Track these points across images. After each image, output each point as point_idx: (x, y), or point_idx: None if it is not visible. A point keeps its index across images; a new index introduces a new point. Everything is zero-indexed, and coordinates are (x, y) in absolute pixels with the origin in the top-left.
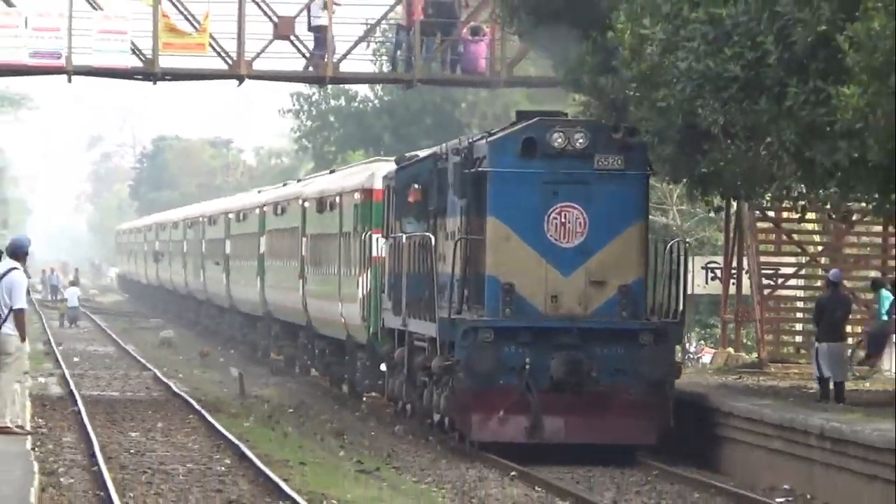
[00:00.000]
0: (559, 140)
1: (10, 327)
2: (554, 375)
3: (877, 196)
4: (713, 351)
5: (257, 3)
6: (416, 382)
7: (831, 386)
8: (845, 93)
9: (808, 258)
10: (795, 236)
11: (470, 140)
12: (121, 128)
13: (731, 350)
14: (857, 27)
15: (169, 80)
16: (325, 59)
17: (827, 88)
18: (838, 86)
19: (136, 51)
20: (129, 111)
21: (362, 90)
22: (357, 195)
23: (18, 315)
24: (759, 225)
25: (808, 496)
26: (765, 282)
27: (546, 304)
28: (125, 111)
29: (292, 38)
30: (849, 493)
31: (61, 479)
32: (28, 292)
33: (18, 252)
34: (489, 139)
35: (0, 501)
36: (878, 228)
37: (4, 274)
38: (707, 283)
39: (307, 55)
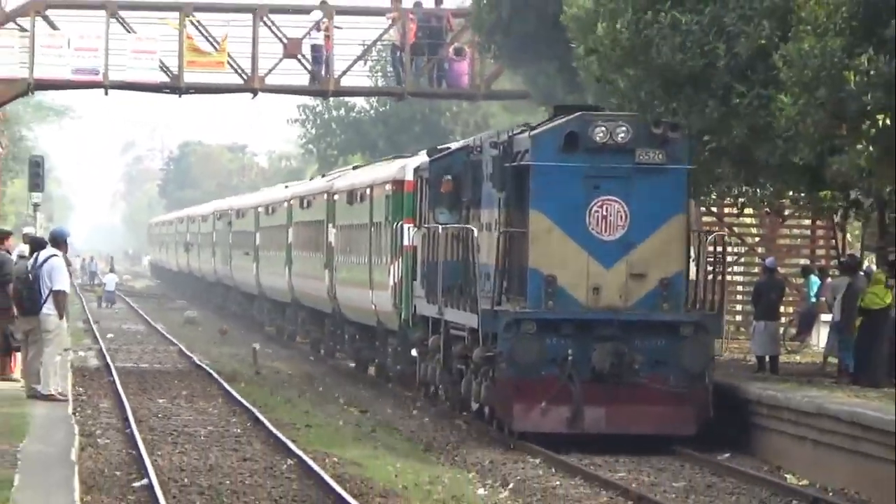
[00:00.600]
0: (601, 134)
1: (50, 307)
2: (596, 366)
3: (805, 193)
4: None
5: (269, 27)
6: (452, 370)
7: (767, 359)
8: (782, 100)
9: (747, 248)
10: (736, 229)
11: (510, 133)
12: (150, 135)
13: None
14: (790, 47)
15: (192, 93)
16: (327, 75)
17: (768, 94)
18: (778, 94)
19: (163, 68)
20: (158, 120)
21: (360, 102)
22: (388, 186)
23: (58, 296)
24: (705, 219)
25: (750, 456)
26: (709, 269)
27: (587, 297)
28: (155, 120)
29: (299, 56)
30: (781, 452)
31: (98, 440)
32: (70, 276)
33: (59, 240)
34: (532, 133)
35: (46, 460)
36: (808, 222)
37: (46, 259)
38: None
39: (311, 72)
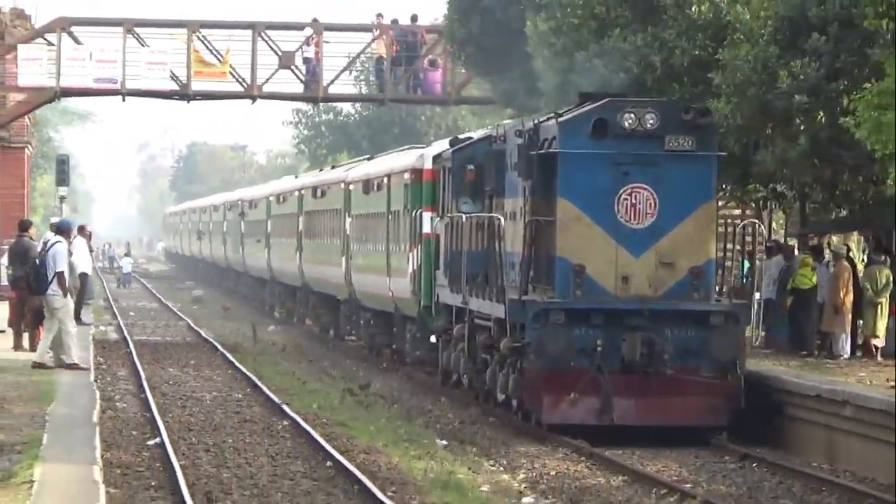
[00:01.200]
0: (630, 120)
1: (54, 288)
2: (626, 357)
3: (734, 185)
4: None
5: (266, 41)
6: (477, 360)
7: None
8: (715, 105)
9: None
10: None
11: (535, 121)
12: (162, 136)
13: None
14: (725, 53)
15: (199, 99)
16: (316, 84)
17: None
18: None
19: (174, 77)
20: (169, 123)
21: (346, 107)
22: (407, 175)
23: (60, 277)
24: None
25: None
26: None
27: (616, 286)
28: (166, 123)
29: (292, 67)
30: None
31: (117, 404)
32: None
33: (63, 229)
34: (559, 120)
35: (70, 421)
36: (738, 211)
37: (51, 246)
38: None
39: (303, 81)
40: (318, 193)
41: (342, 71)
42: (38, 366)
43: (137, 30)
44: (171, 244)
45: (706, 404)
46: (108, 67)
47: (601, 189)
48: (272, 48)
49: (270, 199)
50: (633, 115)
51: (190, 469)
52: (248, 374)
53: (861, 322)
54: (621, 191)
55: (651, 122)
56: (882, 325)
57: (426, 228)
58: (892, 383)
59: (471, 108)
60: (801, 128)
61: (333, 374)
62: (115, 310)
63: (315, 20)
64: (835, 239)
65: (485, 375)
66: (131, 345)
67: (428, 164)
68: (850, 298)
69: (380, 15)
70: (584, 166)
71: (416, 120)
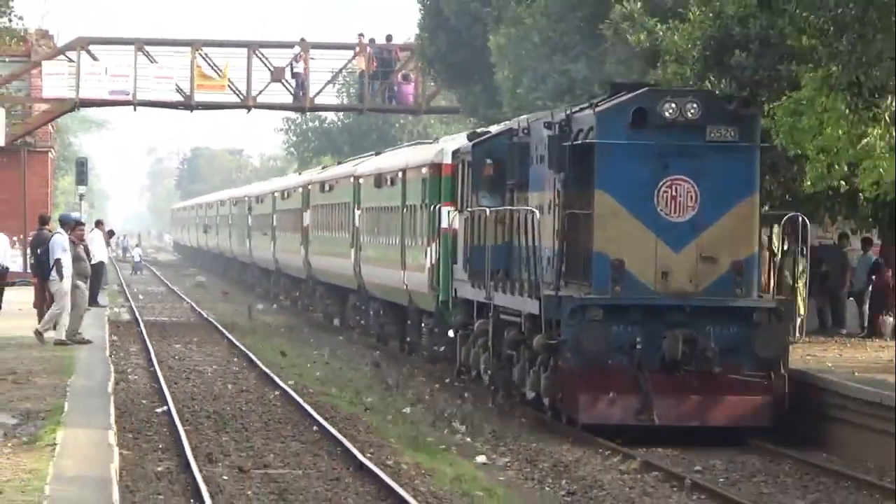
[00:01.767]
0: (670, 110)
1: (54, 274)
2: (667, 355)
3: None
4: None
5: (260, 58)
6: (501, 356)
7: None
8: None
9: None
10: None
11: (567, 112)
12: (169, 141)
13: None
14: (658, 73)
15: (201, 109)
16: (304, 95)
17: None
18: None
19: (179, 90)
20: (175, 130)
21: (330, 115)
22: (425, 170)
23: (58, 263)
24: None
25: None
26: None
27: (656, 281)
28: (172, 130)
29: (283, 81)
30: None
31: (129, 376)
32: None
33: (64, 223)
34: (597, 110)
35: (88, 391)
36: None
37: (51, 237)
38: None
39: (293, 92)
40: (326, 188)
41: (326, 84)
42: (61, 343)
43: (147, 48)
44: (179, 236)
45: (750, 405)
46: (121, 81)
47: (640, 181)
48: (265, 64)
49: (276, 194)
50: (673, 105)
51: (193, 433)
52: (244, 349)
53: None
54: (661, 183)
55: (692, 111)
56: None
57: (445, 223)
58: None
59: (439, 117)
60: None
61: (323, 353)
62: (128, 293)
63: (303, 39)
64: None
65: (509, 372)
66: (141, 324)
67: (447, 159)
68: None
69: (360, 35)
70: (622, 158)
71: (391, 127)
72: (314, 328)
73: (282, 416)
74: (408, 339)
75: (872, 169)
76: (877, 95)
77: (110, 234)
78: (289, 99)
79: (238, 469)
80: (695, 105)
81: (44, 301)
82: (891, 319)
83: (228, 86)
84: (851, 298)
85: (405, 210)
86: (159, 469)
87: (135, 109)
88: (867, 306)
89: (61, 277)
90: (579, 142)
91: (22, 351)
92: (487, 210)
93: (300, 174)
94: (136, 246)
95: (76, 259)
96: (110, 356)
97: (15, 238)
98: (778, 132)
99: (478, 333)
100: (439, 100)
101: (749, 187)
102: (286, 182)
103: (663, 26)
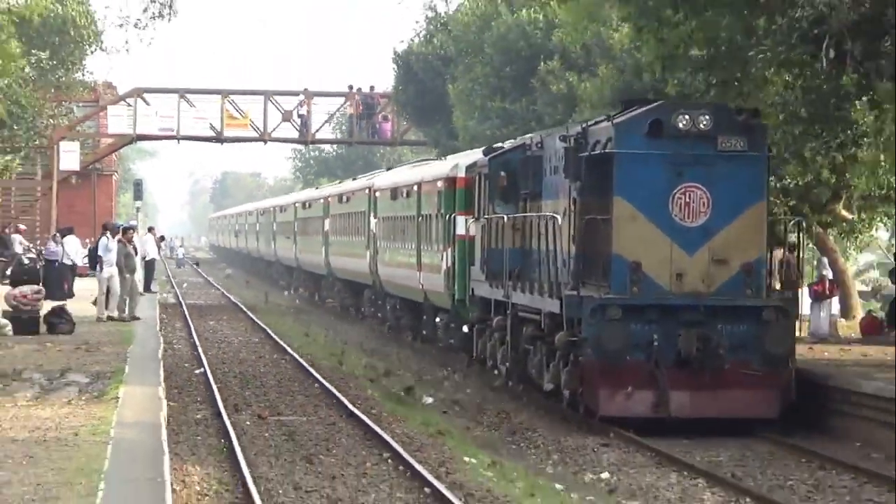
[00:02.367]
0: (684, 122)
1: (100, 268)
2: (683, 351)
3: None
4: None
5: (273, 103)
6: (519, 350)
7: None
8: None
9: None
10: None
11: (583, 125)
12: (204, 166)
13: None
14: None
15: (228, 142)
16: (307, 132)
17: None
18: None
19: (212, 128)
20: (209, 158)
21: (327, 147)
22: (440, 183)
23: (99, 259)
24: None
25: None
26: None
27: (671, 282)
28: (206, 158)
29: (291, 121)
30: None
31: (174, 345)
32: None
33: (108, 228)
34: (615, 121)
35: (143, 357)
36: None
37: (98, 240)
38: None
39: (298, 129)
40: (344, 199)
41: (324, 123)
42: (110, 318)
43: (187, 95)
44: (214, 239)
45: (759, 397)
46: (167, 120)
47: (656, 188)
48: (277, 108)
49: (297, 205)
50: (687, 117)
51: (223, 389)
52: (263, 326)
53: None
54: (675, 190)
55: (704, 123)
56: None
57: (460, 231)
58: None
59: (410, 148)
60: None
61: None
62: (174, 283)
63: (306, 89)
64: None
65: (526, 365)
66: (184, 306)
67: (461, 173)
68: None
69: (350, 86)
70: (639, 166)
71: (373, 156)
72: (323, 313)
73: (291, 376)
74: (423, 331)
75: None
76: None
77: (161, 238)
78: (295, 134)
79: (258, 416)
80: (707, 117)
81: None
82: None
83: (249, 124)
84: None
85: (420, 219)
86: (197, 416)
87: (178, 142)
88: None
89: (99, 270)
90: (597, 152)
91: (92, 326)
92: (505, 217)
93: (317, 188)
94: (180, 247)
95: (125, 256)
96: (160, 330)
97: (87, 241)
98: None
99: (496, 329)
100: (410, 134)
101: (757, 194)
102: (307, 195)
103: (577, 79)
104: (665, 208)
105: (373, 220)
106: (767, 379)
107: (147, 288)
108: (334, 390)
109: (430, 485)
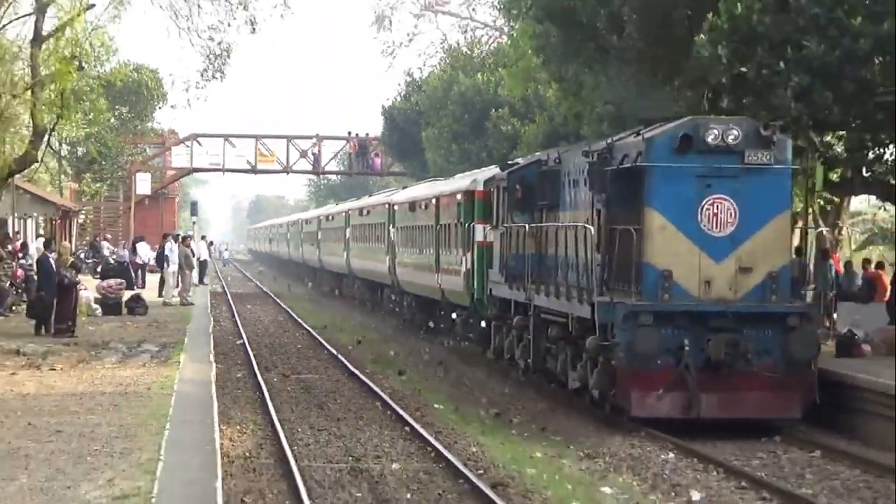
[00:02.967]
0: (713, 136)
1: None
2: (712, 356)
3: None
4: None
5: (292, 144)
6: (541, 347)
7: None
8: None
9: None
10: None
11: (608, 142)
12: (242, 191)
13: None
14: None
15: (260, 173)
16: (319, 165)
17: None
18: None
19: (248, 162)
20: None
21: (332, 177)
22: (459, 196)
23: (166, 259)
24: None
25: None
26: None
27: (700, 289)
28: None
29: (306, 157)
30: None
31: (221, 323)
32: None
33: (169, 236)
34: (646, 136)
35: (198, 332)
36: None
37: (162, 246)
38: None
39: (312, 164)
40: (364, 212)
41: (331, 159)
42: (167, 304)
43: (230, 139)
44: (252, 245)
45: (784, 399)
46: (215, 157)
47: (686, 200)
48: (295, 148)
49: (321, 218)
50: (716, 131)
51: (257, 355)
52: (287, 309)
53: None
54: (704, 202)
55: (732, 137)
56: None
57: (479, 237)
58: None
59: (394, 178)
60: None
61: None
62: (220, 277)
63: (317, 134)
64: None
65: (547, 361)
66: (228, 294)
67: (480, 187)
68: None
69: (349, 132)
70: (670, 179)
71: (367, 183)
72: (341, 304)
73: (307, 345)
74: (441, 325)
75: None
76: None
77: (210, 243)
78: (309, 167)
79: (282, 374)
80: (735, 131)
81: (163, 283)
82: None
83: (276, 160)
84: None
85: (439, 227)
86: (238, 375)
87: (223, 174)
88: None
89: (163, 268)
90: (627, 165)
91: (161, 310)
92: (526, 226)
93: (336, 204)
94: (225, 250)
95: (185, 257)
96: (210, 312)
97: (154, 246)
98: None
99: (516, 327)
100: (394, 168)
101: (782, 205)
102: (329, 210)
103: (520, 124)
104: (694, 219)
105: (391, 230)
106: (791, 381)
107: (201, 281)
108: (339, 356)
109: (409, 424)
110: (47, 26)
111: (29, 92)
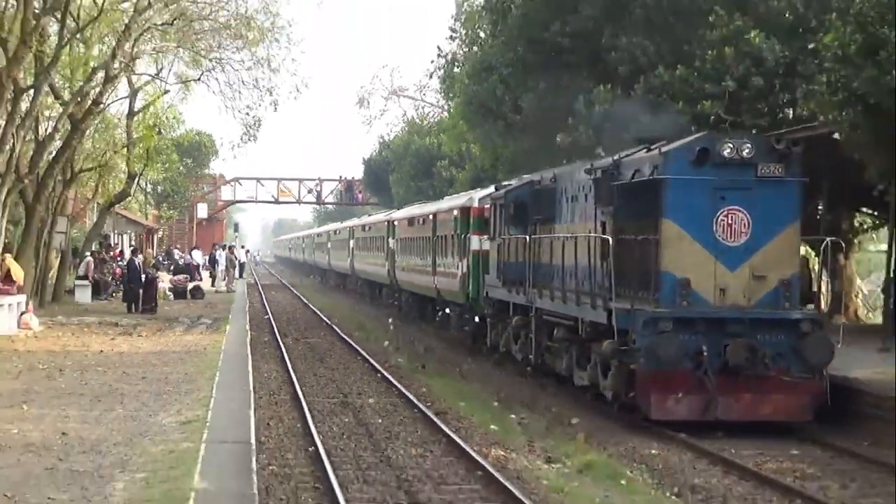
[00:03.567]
0: (728, 150)
1: (214, 267)
2: (731, 361)
3: None
4: None
5: (303, 186)
6: (542, 345)
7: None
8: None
9: None
10: None
11: (614, 158)
12: (269, 217)
13: None
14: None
15: (281, 204)
16: (320, 198)
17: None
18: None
19: (272, 196)
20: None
21: (330, 207)
22: (456, 212)
23: (217, 262)
24: None
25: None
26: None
27: (715, 297)
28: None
29: (312, 192)
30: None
31: (254, 304)
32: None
33: (220, 246)
34: (663, 150)
35: (238, 310)
36: None
37: (214, 251)
38: None
39: (315, 197)
40: (367, 228)
41: (329, 193)
42: (217, 291)
43: (261, 179)
44: (277, 252)
45: (797, 401)
46: (250, 191)
47: (701, 211)
48: (305, 187)
49: (329, 233)
50: (731, 145)
51: (279, 326)
52: (305, 300)
53: None
54: (719, 213)
55: (746, 151)
56: None
57: (475, 247)
58: None
59: (371, 206)
60: None
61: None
62: (254, 273)
63: (319, 177)
64: None
65: (545, 357)
66: (259, 285)
67: (475, 204)
68: None
69: (341, 175)
70: (686, 191)
71: (354, 209)
72: (345, 296)
73: (314, 321)
74: (437, 319)
75: None
76: None
77: (247, 251)
78: (314, 199)
79: (295, 339)
80: (748, 145)
81: (214, 277)
82: None
83: (291, 195)
84: None
85: (436, 238)
86: (265, 339)
87: (256, 203)
88: None
89: (214, 266)
90: (636, 179)
91: (213, 296)
92: (527, 237)
93: (342, 222)
94: (257, 255)
95: (229, 260)
96: (246, 297)
97: (205, 254)
98: None
99: (514, 326)
100: (372, 200)
101: (793, 215)
102: (336, 226)
103: (456, 170)
104: (709, 229)
105: (391, 241)
106: (804, 385)
107: (240, 276)
108: (337, 329)
109: (380, 372)
110: (137, 104)
111: (125, 149)
